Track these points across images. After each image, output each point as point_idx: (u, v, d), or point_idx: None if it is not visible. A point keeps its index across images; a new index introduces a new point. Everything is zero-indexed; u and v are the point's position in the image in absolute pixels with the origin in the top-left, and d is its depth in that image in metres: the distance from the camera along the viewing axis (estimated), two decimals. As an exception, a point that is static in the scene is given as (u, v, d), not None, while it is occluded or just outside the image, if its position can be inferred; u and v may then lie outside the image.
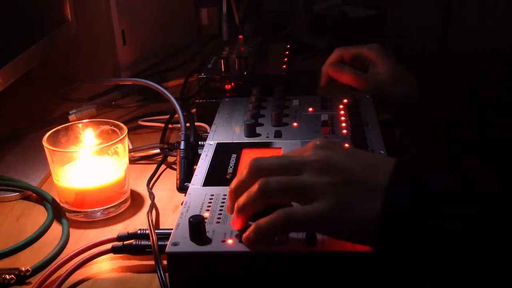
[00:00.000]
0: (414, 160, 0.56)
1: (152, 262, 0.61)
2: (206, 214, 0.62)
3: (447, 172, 0.54)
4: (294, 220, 0.54)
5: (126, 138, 0.76)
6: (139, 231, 0.66)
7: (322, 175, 0.55)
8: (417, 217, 0.52)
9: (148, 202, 0.78)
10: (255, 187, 0.56)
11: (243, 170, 0.59)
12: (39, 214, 0.77)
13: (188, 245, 0.57)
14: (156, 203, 0.76)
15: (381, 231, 0.52)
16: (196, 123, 0.93)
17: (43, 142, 0.74)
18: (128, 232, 0.67)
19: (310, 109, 0.88)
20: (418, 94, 0.90)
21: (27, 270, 0.63)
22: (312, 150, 0.57)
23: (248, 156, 0.75)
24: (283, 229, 0.55)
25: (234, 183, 0.60)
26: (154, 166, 0.86)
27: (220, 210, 0.63)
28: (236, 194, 0.59)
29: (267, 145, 0.78)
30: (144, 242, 0.64)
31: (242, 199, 0.57)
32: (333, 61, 0.96)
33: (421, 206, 0.52)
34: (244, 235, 0.56)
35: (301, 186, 0.55)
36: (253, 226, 0.56)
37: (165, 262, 0.58)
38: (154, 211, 0.74)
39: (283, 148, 0.76)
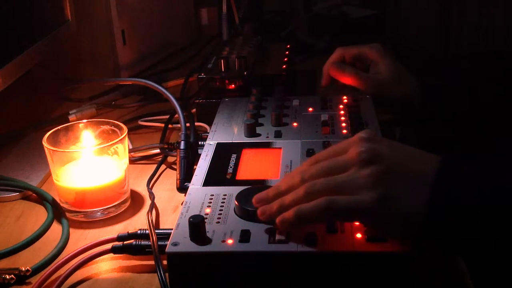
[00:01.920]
0: (458, 157, 0.56)
1: (152, 262, 0.61)
2: (207, 210, 0.62)
3: (491, 171, 0.54)
4: (336, 208, 0.54)
5: (126, 138, 0.76)
6: (139, 231, 0.66)
7: (366, 166, 0.55)
8: (464, 213, 0.52)
9: (148, 202, 0.78)
10: (301, 189, 0.56)
11: (294, 174, 0.59)
12: (39, 214, 0.77)
13: (188, 245, 0.57)
14: (156, 203, 0.76)
15: (426, 225, 0.53)
16: (196, 123, 0.93)
17: (43, 142, 0.74)
18: (128, 232, 0.67)
19: (310, 109, 0.88)
20: (418, 94, 0.90)
21: (27, 270, 0.63)
22: (357, 142, 0.57)
23: (248, 156, 0.75)
24: (325, 216, 0.55)
25: (284, 185, 0.59)
26: (154, 166, 0.86)
27: (220, 210, 0.63)
28: (283, 194, 0.58)
29: (267, 145, 0.78)
30: (144, 242, 0.64)
31: (288, 198, 0.57)
32: (334, 60, 0.96)
33: (469, 203, 0.52)
34: (282, 216, 0.56)
35: (345, 181, 0.55)
36: (294, 209, 0.55)
37: (165, 262, 0.58)
38: (154, 211, 0.74)
39: (283, 148, 0.76)
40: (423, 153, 0.57)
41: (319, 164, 0.59)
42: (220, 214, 0.62)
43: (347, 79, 0.94)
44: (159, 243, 0.62)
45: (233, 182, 0.69)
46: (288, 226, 0.56)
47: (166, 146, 0.88)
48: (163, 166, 0.87)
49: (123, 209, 0.76)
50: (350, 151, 0.57)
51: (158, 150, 0.90)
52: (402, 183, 0.54)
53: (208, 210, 0.62)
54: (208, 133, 0.83)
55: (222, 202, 0.64)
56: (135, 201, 0.79)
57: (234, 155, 0.75)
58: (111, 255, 0.65)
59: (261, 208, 0.59)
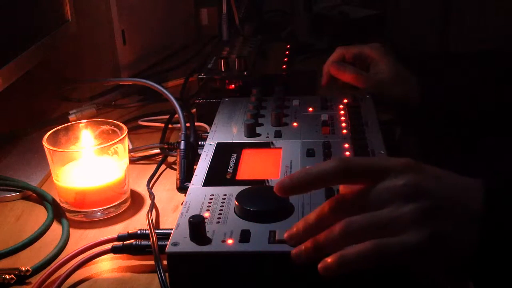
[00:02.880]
0: (502, 181, 0.53)
1: (152, 262, 0.61)
2: (206, 214, 0.62)
3: None
4: (386, 253, 0.50)
5: (126, 138, 0.76)
6: (139, 231, 0.66)
7: (409, 202, 0.50)
8: None
9: (148, 202, 0.78)
10: (337, 227, 0.52)
11: (324, 205, 0.55)
12: (39, 214, 0.77)
13: (188, 245, 0.57)
14: (156, 203, 0.76)
15: (480, 263, 0.50)
16: (196, 123, 0.93)
17: (43, 142, 0.74)
18: (128, 232, 0.67)
19: (310, 109, 0.88)
20: (418, 94, 0.90)
21: (27, 270, 0.63)
22: (399, 171, 0.52)
23: (248, 156, 0.75)
24: (373, 263, 0.50)
25: (313, 216, 0.55)
26: (154, 166, 0.86)
27: (220, 210, 0.63)
28: (314, 228, 0.54)
29: (267, 145, 0.78)
30: (144, 242, 0.64)
31: (322, 237, 0.53)
32: (335, 60, 0.96)
33: None
34: (324, 263, 0.51)
35: (387, 219, 0.51)
36: (336, 256, 0.51)
37: (165, 262, 0.58)
38: (154, 211, 0.74)
39: (283, 148, 0.76)
40: (466, 180, 0.53)
41: (353, 194, 0.54)
42: (220, 214, 0.62)
43: (347, 78, 0.94)
44: (159, 243, 0.62)
45: (233, 182, 0.69)
46: (331, 275, 0.51)
47: (166, 146, 0.88)
48: (163, 166, 0.87)
49: (123, 209, 0.76)
50: (388, 183, 0.52)
51: (158, 150, 0.90)
52: (451, 219, 0.50)
53: (207, 214, 0.62)
54: (208, 133, 0.83)
55: (222, 202, 0.64)
56: (135, 201, 0.79)
57: (234, 155, 0.75)
58: (111, 255, 0.65)
59: (294, 253, 0.54)
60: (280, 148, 0.76)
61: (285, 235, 0.56)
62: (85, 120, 0.80)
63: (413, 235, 0.49)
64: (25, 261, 0.67)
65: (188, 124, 0.86)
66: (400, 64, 0.93)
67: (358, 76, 0.93)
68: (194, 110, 0.99)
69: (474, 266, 0.50)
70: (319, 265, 0.52)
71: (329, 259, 0.51)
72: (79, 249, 0.65)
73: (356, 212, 0.52)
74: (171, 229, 0.60)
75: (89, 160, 0.75)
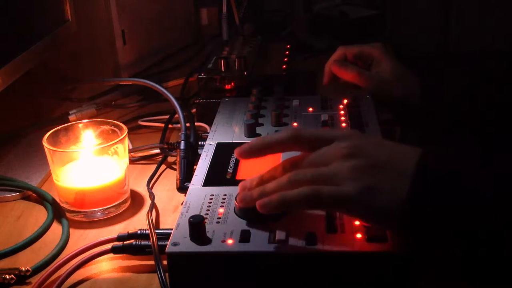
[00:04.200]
0: (439, 150, 0.58)
1: (152, 262, 0.61)
2: (221, 210, 0.62)
3: (472, 162, 0.56)
4: (321, 198, 0.55)
5: (126, 138, 0.76)
6: (139, 231, 0.66)
7: (348, 160, 0.56)
8: (443, 207, 0.53)
9: (148, 202, 0.78)
10: (284, 178, 0.58)
11: (277, 165, 0.62)
12: (39, 214, 0.77)
13: (188, 245, 0.57)
14: (156, 203, 0.76)
15: (405, 217, 0.54)
16: (196, 123, 0.93)
17: (43, 142, 0.74)
18: (128, 232, 0.67)
19: (310, 109, 0.88)
20: (418, 94, 0.90)
21: (27, 270, 0.63)
22: (340, 138, 0.59)
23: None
24: (308, 203, 0.56)
25: (267, 175, 0.62)
26: (154, 166, 0.86)
27: (220, 210, 0.63)
28: (265, 182, 0.60)
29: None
30: (144, 242, 0.64)
31: (270, 186, 0.58)
32: (336, 59, 0.97)
33: (447, 196, 0.53)
34: (264, 199, 0.57)
35: (328, 172, 0.57)
36: (277, 194, 0.56)
37: (165, 262, 0.58)
38: (154, 211, 0.74)
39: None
40: (405, 147, 0.58)
41: (302, 156, 0.61)
42: (220, 214, 0.62)
43: (349, 77, 0.94)
44: (159, 243, 0.62)
45: (233, 182, 0.69)
46: (269, 210, 0.57)
47: (166, 146, 0.88)
48: (163, 166, 0.87)
49: (123, 209, 0.76)
50: (333, 145, 0.59)
51: (158, 150, 0.90)
52: (384, 176, 0.55)
53: (221, 210, 0.63)
54: (208, 133, 0.83)
55: (222, 202, 0.64)
56: (135, 201, 0.79)
57: (234, 155, 0.75)
58: (111, 255, 0.65)
59: (241, 194, 0.60)
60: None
61: (239, 185, 0.62)
62: (85, 120, 0.81)
63: (345, 187, 0.55)
64: (25, 261, 0.67)
65: (188, 124, 0.86)
66: (401, 64, 0.94)
67: (360, 75, 0.93)
68: (194, 110, 0.99)
69: (402, 221, 0.54)
70: (258, 202, 0.57)
71: (271, 197, 0.57)
72: (79, 249, 0.65)
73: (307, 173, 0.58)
74: (171, 229, 0.60)
75: (89, 160, 0.75)
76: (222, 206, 0.63)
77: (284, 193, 0.56)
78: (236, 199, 0.62)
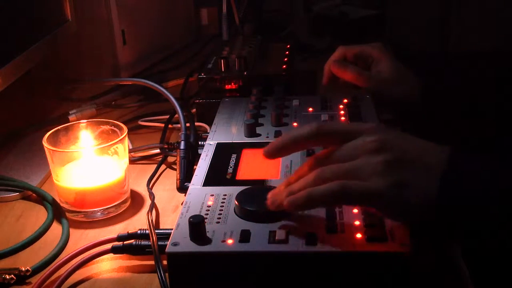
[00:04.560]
0: (467, 149, 0.57)
1: (152, 262, 0.61)
2: (209, 203, 0.62)
3: (499, 165, 0.56)
4: (349, 193, 0.54)
5: (126, 138, 0.76)
6: (139, 231, 0.66)
7: (376, 155, 0.55)
8: (473, 206, 0.53)
9: (148, 202, 0.78)
10: (311, 175, 0.57)
11: (303, 164, 0.61)
12: (39, 214, 0.77)
13: (188, 245, 0.57)
14: (156, 203, 0.76)
15: (432, 213, 0.54)
16: (196, 123, 0.93)
17: (43, 142, 0.74)
18: (128, 232, 0.67)
19: (310, 109, 0.88)
20: (418, 94, 0.90)
21: (27, 270, 0.63)
22: (368, 131, 0.58)
23: (248, 156, 0.75)
24: (336, 199, 0.56)
25: (294, 175, 0.60)
26: (154, 166, 0.86)
27: (220, 210, 0.63)
28: (292, 183, 0.59)
29: (267, 145, 0.78)
30: (144, 242, 0.64)
31: (297, 185, 0.57)
32: (336, 59, 0.96)
33: (477, 196, 0.53)
34: (292, 197, 0.56)
35: (356, 167, 0.56)
36: (304, 191, 0.56)
37: (165, 262, 0.58)
38: (154, 211, 0.74)
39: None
40: (434, 144, 0.58)
41: (328, 151, 0.59)
42: (220, 214, 0.62)
43: (349, 77, 0.94)
44: (159, 243, 0.62)
45: (233, 182, 0.69)
46: (297, 208, 0.56)
47: (166, 146, 0.88)
48: (163, 166, 0.87)
49: (123, 209, 0.76)
50: (360, 140, 0.57)
51: (158, 150, 0.90)
52: (413, 172, 0.55)
53: (210, 203, 0.63)
54: (208, 133, 0.83)
55: (222, 202, 0.64)
56: (135, 201, 0.79)
57: (234, 155, 0.75)
58: (111, 255, 0.65)
59: (270, 198, 0.59)
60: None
61: (268, 195, 0.59)
62: (85, 120, 0.80)
63: (374, 182, 0.54)
64: (25, 261, 0.67)
65: (188, 124, 0.86)
66: (401, 64, 0.94)
67: (360, 75, 0.92)
68: (194, 110, 0.99)
69: (429, 215, 0.54)
70: (286, 200, 0.56)
71: (298, 194, 0.56)
72: (79, 249, 0.65)
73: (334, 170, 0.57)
74: (171, 229, 0.60)
75: (89, 160, 0.75)
76: (222, 206, 0.63)
77: (311, 189, 0.55)
78: (236, 199, 0.62)
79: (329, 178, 0.56)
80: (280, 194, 0.58)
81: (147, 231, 0.65)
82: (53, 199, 0.78)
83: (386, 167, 0.55)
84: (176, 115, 0.89)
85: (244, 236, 0.57)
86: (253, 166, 0.73)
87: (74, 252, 0.65)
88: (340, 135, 0.59)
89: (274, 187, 0.64)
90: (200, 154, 0.77)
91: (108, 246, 0.65)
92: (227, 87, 0.99)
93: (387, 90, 0.91)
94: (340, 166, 0.57)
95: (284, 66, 1.09)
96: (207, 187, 0.68)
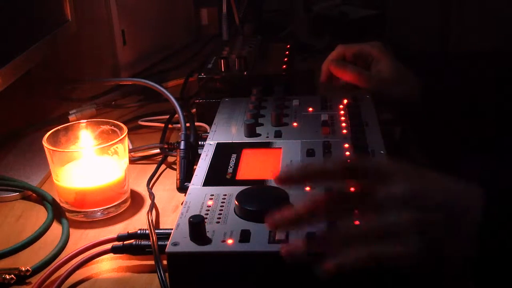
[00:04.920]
0: (503, 192, 0.54)
1: (152, 262, 0.61)
2: (209, 203, 0.62)
3: None
4: (383, 260, 0.51)
5: (126, 138, 0.76)
6: (139, 231, 0.66)
7: (408, 211, 0.52)
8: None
9: (148, 202, 0.78)
10: (335, 232, 0.53)
11: (320, 195, 0.55)
12: (39, 214, 0.77)
13: (188, 245, 0.57)
14: (156, 203, 0.76)
15: (477, 273, 0.52)
16: (196, 123, 0.93)
17: (43, 142, 0.74)
18: (128, 232, 0.67)
19: (310, 109, 0.88)
20: (418, 94, 0.90)
21: (27, 270, 0.63)
22: (397, 178, 0.53)
23: (248, 156, 0.75)
24: (371, 268, 0.52)
25: (307, 203, 0.54)
26: (154, 166, 0.86)
27: (220, 210, 0.63)
28: (305, 214, 0.54)
29: (267, 145, 0.78)
30: (144, 242, 0.64)
31: (318, 238, 0.54)
32: (334, 58, 0.96)
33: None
34: (323, 270, 0.51)
35: (385, 225, 0.52)
36: (334, 264, 0.51)
37: (165, 262, 0.58)
38: (154, 211, 0.74)
39: (283, 148, 0.76)
40: (467, 189, 0.54)
41: (352, 192, 0.54)
42: (220, 214, 0.62)
43: (349, 77, 0.93)
44: (159, 243, 0.62)
45: (233, 182, 0.69)
46: (328, 277, 0.52)
47: (166, 146, 0.88)
48: (163, 166, 0.87)
49: (123, 209, 0.76)
50: (387, 188, 0.53)
51: (158, 150, 0.90)
52: (447, 229, 0.51)
53: (210, 203, 0.63)
54: (208, 133, 0.83)
55: (222, 202, 0.64)
56: (135, 201, 0.79)
57: (234, 155, 0.75)
58: (111, 255, 0.65)
59: (286, 250, 0.53)
60: (280, 148, 0.76)
61: (268, 219, 0.55)
62: (85, 120, 0.80)
63: (409, 244, 0.51)
64: (25, 261, 0.67)
65: (188, 124, 0.86)
66: (400, 64, 0.93)
67: (360, 75, 0.92)
68: (194, 110, 0.99)
69: (471, 273, 0.52)
70: (320, 271, 0.51)
71: (327, 265, 0.51)
72: (79, 249, 0.65)
73: (352, 211, 0.54)
74: (171, 229, 0.60)
75: (89, 160, 0.75)
76: (222, 206, 0.63)
77: (341, 261, 0.51)
78: (236, 199, 0.62)
79: (356, 237, 0.52)
80: (296, 245, 0.53)
81: (147, 231, 0.65)
82: (53, 199, 0.78)
83: (419, 226, 0.51)
84: (176, 115, 0.89)
85: (244, 236, 0.57)
86: (253, 166, 0.73)
87: (74, 252, 0.65)
88: (369, 174, 0.54)
89: (274, 187, 0.65)
90: (200, 154, 0.77)
91: (108, 246, 0.65)
92: (227, 87, 0.99)
93: (387, 90, 0.91)
94: (367, 226, 0.52)
95: (284, 66, 1.09)
96: (207, 187, 0.68)
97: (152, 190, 0.79)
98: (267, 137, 0.80)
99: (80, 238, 0.71)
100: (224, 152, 0.76)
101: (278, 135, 0.80)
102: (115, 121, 0.79)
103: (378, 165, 0.56)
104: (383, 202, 0.53)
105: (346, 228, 0.53)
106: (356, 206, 0.54)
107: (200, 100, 0.98)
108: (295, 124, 0.83)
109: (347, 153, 0.73)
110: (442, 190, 0.54)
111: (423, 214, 0.51)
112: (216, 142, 0.79)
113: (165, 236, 0.63)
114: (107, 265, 0.65)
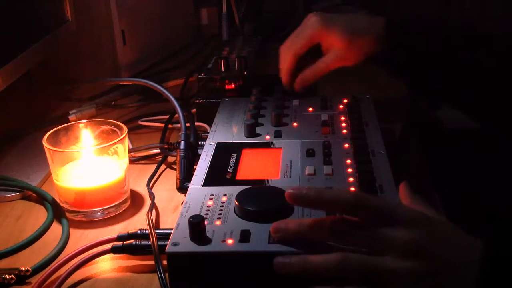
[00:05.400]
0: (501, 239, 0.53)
1: (152, 262, 0.61)
2: (209, 203, 0.62)
3: None
4: None
5: (126, 138, 0.76)
6: (139, 231, 0.66)
7: (408, 260, 0.52)
8: None
9: (148, 202, 0.78)
10: (332, 257, 0.53)
11: (326, 219, 0.56)
12: (39, 214, 0.77)
13: (188, 245, 0.57)
14: (156, 203, 0.76)
15: None
16: (196, 123, 0.93)
17: (43, 142, 0.74)
18: (128, 232, 0.67)
19: (310, 109, 0.88)
20: (385, 36, 0.85)
21: (27, 270, 0.63)
22: (406, 224, 0.53)
23: (248, 156, 0.75)
24: None
25: (309, 222, 0.56)
26: (154, 166, 0.86)
27: (220, 210, 0.63)
28: (306, 233, 0.55)
29: (267, 145, 0.78)
30: (144, 242, 0.64)
31: (314, 259, 0.54)
32: (290, 68, 0.89)
33: None
34: (288, 260, 0.54)
35: (383, 268, 0.52)
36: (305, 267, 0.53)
37: (165, 262, 0.58)
38: (154, 211, 0.74)
39: (283, 148, 0.76)
40: (465, 238, 0.54)
41: (358, 225, 0.55)
42: (220, 214, 0.62)
43: (313, 78, 0.88)
44: (159, 243, 0.62)
45: (233, 182, 0.69)
46: (291, 273, 0.54)
47: (166, 146, 0.88)
48: (163, 166, 0.87)
49: (123, 209, 0.76)
50: (393, 234, 0.53)
51: (158, 150, 0.90)
52: (444, 284, 0.51)
53: (210, 203, 0.63)
54: (208, 133, 0.83)
55: (222, 202, 0.64)
56: (135, 201, 0.79)
57: (234, 155, 0.75)
58: (111, 255, 0.65)
59: (280, 261, 0.55)
60: (280, 148, 0.76)
61: (274, 225, 0.57)
62: (85, 120, 0.80)
63: None
64: (25, 261, 0.67)
65: (188, 124, 0.86)
66: (354, 17, 0.89)
67: (316, 72, 0.87)
68: (194, 110, 0.99)
69: None
70: (287, 260, 0.54)
71: (293, 263, 0.53)
72: (79, 249, 0.65)
73: (354, 243, 0.54)
74: (171, 229, 0.60)
75: (89, 160, 0.75)
76: (222, 206, 0.63)
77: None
78: (236, 199, 0.62)
79: (350, 271, 0.52)
80: (291, 262, 0.54)
81: (147, 231, 0.65)
82: (53, 199, 0.78)
83: (416, 277, 0.51)
84: (176, 115, 0.88)
85: (244, 236, 0.57)
86: (253, 166, 0.73)
87: (74, 252, 0.65)
88: (377, 215, 0.54)
89: (275, 187, 0.65)
90: (200, 154, 0.77)
91: (108, 246, 0.65)
92: (227, 87, 0.99)
93: (351, 52, 0.85)
94: (365, 262, 0.53)
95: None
96: (207, 187, 0.68)
97: (152, 190, 0.79)
98: (267, 137, 0.80)
99: (80, 238, 0.71)
100: (224, 152, 0.76)
101: (278, 135, 0.80)
102: (115, 121, 0.79)
103: (390, 206, 0.56)
104: (385, 244, 0.53)
105: (345, 258, 0.53)
106: (358, 240, 0.54)
107: (200, 100, 0.98)
108: (295, 124, 0.83)
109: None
110: (445, 242, 0.53)
111: (419, 268, 0.51)
112: (216, 142, 0.79)
113: (165, 236, 0.63)
114: (107, 265, 0.65)
